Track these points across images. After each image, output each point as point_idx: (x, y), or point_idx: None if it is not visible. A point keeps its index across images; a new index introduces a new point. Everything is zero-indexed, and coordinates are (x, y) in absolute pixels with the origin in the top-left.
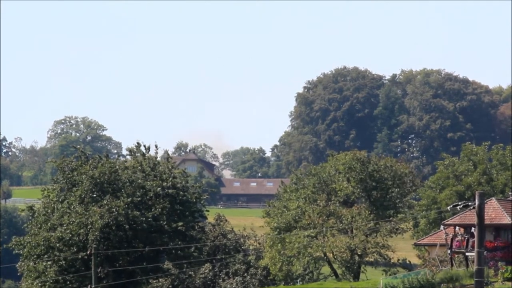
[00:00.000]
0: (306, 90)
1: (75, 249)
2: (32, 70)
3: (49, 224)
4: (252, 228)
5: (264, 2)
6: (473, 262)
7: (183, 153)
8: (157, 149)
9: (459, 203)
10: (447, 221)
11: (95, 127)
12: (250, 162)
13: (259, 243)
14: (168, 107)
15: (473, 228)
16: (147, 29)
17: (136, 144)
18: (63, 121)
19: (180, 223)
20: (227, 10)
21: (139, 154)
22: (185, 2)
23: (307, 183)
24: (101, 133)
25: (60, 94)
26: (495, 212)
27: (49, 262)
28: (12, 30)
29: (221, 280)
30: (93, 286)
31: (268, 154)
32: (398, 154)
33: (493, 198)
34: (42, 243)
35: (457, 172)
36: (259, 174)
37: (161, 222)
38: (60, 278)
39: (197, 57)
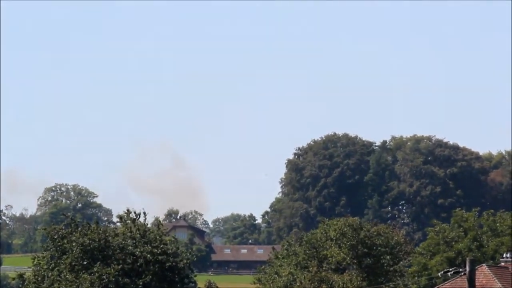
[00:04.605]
0: (296, 156)
1: None
2: (22, 138)
3: None
4: None
5: (254, 68)
6: None
7: (173, 219)
8: (146, 215)
9: (450, 269)
10: (438, 287)
11: (85, 194)
12: (241, 229)
13: None
14: (158, 174)
15: None
16: (134, 100)
17: (126, 211)
18: (53, 189)
19: None
20: (221, 80)
21: (129, 221)
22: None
23: (298, 250)
24: (91, 200)
25: (51, 161)
26: (486, 278)
27: None
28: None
29: None
30: None
31: (259, 220)
32: (389, 221)
33: (484, 264)
34: None
35: (448, 238)
36: (250, 241)
37: None
38: None
39: (186, 122)
